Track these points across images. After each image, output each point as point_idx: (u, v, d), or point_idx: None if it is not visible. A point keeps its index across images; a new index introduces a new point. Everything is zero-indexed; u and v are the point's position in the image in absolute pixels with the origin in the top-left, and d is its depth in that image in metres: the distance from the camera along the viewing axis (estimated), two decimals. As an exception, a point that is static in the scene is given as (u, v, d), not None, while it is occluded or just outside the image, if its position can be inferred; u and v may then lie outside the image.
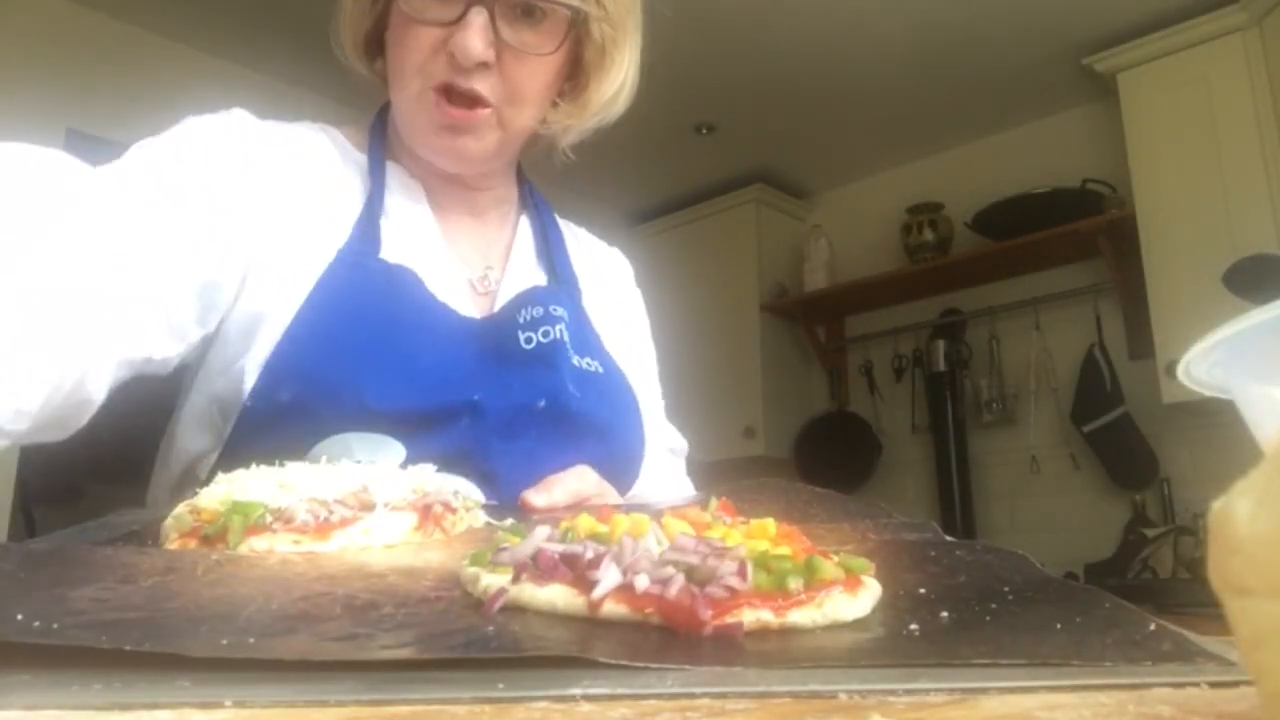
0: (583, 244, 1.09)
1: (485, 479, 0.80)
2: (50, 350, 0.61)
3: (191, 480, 0.82)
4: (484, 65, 0.81)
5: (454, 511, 0.63)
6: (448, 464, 0.76)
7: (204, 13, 2.97)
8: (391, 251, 0.86)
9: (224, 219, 0.79)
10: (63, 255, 0.63)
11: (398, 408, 0.78)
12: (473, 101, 0.83)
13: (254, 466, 0.62)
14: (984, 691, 0.32)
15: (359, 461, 0.75)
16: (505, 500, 0.80)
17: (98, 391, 0.68)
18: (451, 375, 0.82)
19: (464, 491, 0.69)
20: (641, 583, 0.39)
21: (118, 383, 0.72)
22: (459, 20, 0.79)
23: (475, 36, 0.79)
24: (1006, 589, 0.46)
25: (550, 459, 0.83)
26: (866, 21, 2.99)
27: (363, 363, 0.78)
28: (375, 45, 0.91)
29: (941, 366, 3.60)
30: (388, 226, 0.87)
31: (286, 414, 0.76)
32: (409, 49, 0.83)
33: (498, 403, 0.83)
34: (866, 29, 3.03)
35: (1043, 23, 2.99)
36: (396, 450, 0.77)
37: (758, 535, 0.47)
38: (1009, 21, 2.99)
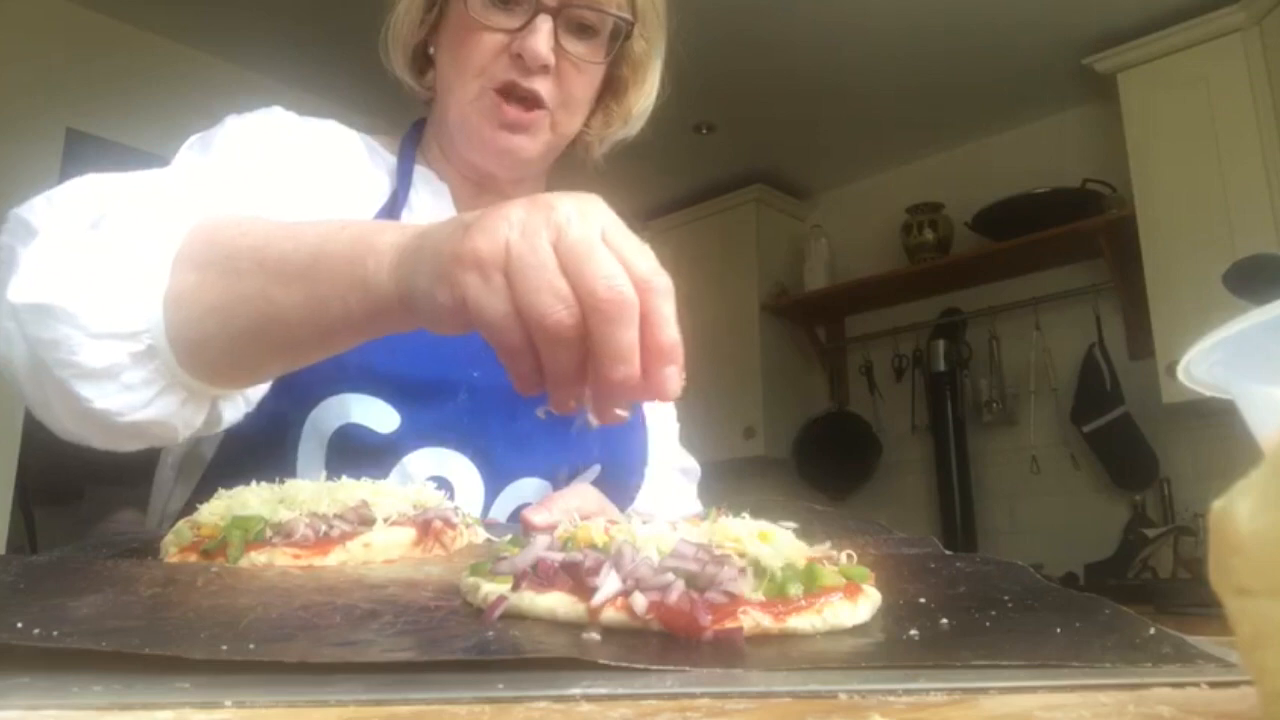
0: None
1: (480, 456, 0.84)
2: None
3: (197, 460, 0.86)
4: (545, 68, 0.87)
5: (454, 527, 0.63)
6: (443, 437, 0.82)
7: (204, 13, 2.97)
8: None
9: (273, 207, 0.83)
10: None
11: (399, 372, 0.82)
12: (531, 103, 0.89)
13: (253, 484, 0.62)
14: (984, 691, 0.32)
15: (355, 422, 0.79)
16: (498, 482, 0.84)
17: None
18: (456, 349, 0.85)
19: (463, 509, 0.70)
20: (638, 604, 0.39)
21: None
22: (525, 27, 0.86)
23: (543, 40, 0.85)
24: (1006, 597, 0.46)
25: (546, 446, 0.86)
26: (867, 21, 2.99)
27: None
28: (420, 59, 0.96)
29: (941, 366, 3.59)
30: (409, 217, 0.92)
31: (289, 374, 0.79)
32: (472, 52, 0.88)
33: (497, 381, 0.85)
34: (867, 29, 3.03)
35: (1043, 23, 2.99)
36: (389, 414, 0.81)
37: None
38: (1009, 21, 2.98)
